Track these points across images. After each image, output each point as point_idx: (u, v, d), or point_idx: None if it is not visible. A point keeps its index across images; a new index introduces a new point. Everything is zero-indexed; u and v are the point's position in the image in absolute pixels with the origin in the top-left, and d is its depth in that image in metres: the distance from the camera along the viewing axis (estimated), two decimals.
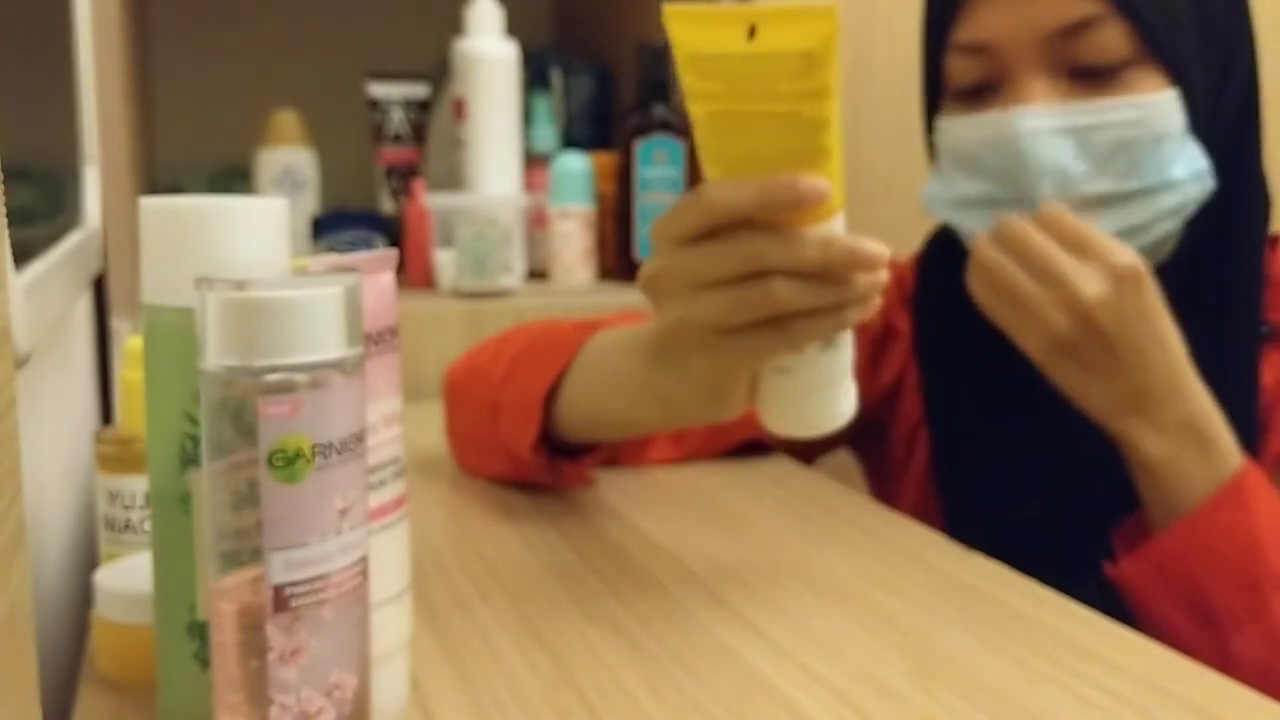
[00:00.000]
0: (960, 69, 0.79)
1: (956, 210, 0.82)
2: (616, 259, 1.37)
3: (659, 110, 1.32)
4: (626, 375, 0.70)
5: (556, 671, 0.56)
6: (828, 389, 0.61)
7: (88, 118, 0.98)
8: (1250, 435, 0.76)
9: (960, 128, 0.80)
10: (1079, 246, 0.70)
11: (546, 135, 1.45)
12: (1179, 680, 0.55)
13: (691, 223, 0.58)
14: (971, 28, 0.77)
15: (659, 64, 1.32)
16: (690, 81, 0.56)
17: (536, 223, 1.40)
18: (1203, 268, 0.79)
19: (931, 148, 0.85)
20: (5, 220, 0.45)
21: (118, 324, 1.09)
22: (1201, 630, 0.69)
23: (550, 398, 0.76)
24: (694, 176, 1.34)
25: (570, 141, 1.51)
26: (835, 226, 0.57)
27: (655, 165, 1.32)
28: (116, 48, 1.09)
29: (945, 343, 0.88)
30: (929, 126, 0.85)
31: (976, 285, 0.74)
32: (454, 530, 0.76)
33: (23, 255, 0.60)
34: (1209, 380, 0.73)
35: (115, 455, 0.64)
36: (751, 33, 0.54)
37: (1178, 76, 0.75)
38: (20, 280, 0.55)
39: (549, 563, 0.70)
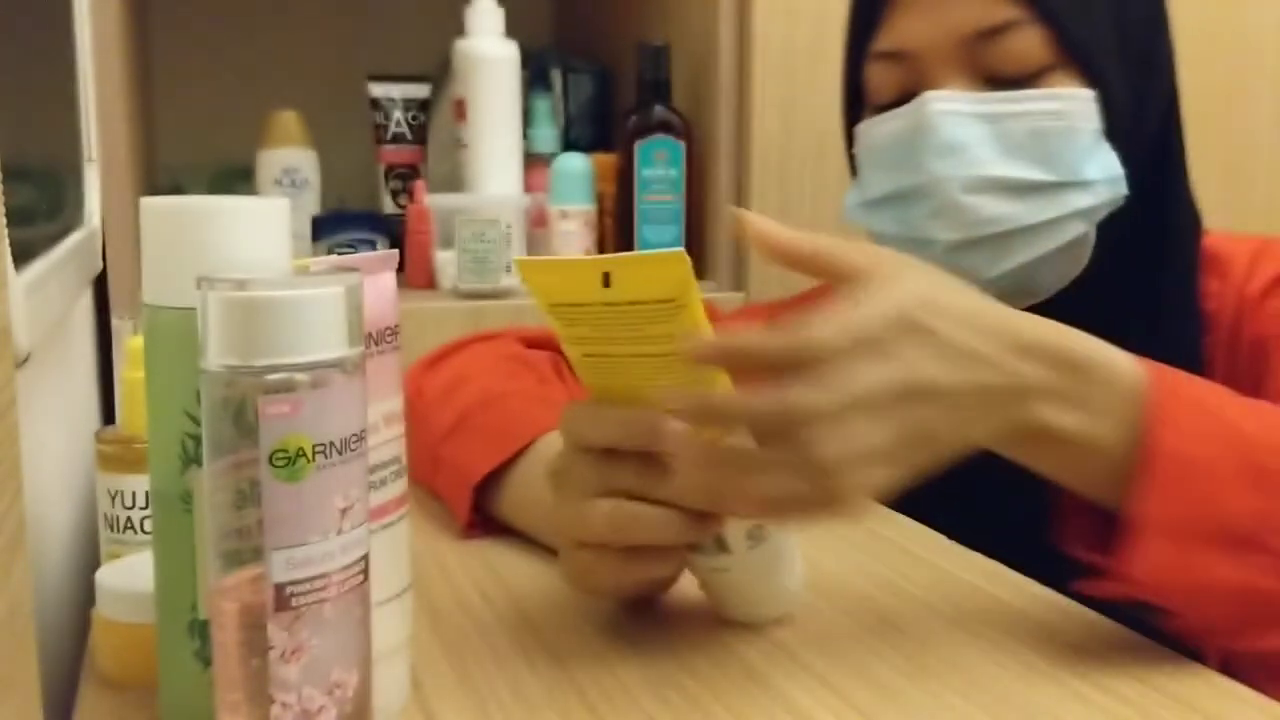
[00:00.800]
0: (880, 78, 0.78)
1: (869, 212, 0.80)
2: None
3: (659, 111, 1.32)
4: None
5: (557, 671, 0.56)
6: (768, 579, 0.61)
7: (88, 118, 0.98)
8: None
9: (875, 127, 0.79)
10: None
11: (547, 135, 1.45)
12: (1179, 680, 0.55)
13: (573, 437, 0.57)
14: (891, 35, 0.77)
15: (659, 64, 1.32)
16: (559, 328, 0.54)
17: (537, 223, 1.40)
18: (1132, 282, 0.77)
19: (852, 160, 0.83)
20: (5, 220, 0.45)
21: (118, 323, 1.09)
22: (1243, 555, 0.54)
23: (490, 478, 0.73)
24: (694, 177, 1.34)
25: (570, 142, 1.51)
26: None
27: (655, 165, 1.32)
28: (117, 48, 1.09)
29: None
30: (849, 140, 0.83)
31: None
32: (455, 529, 0.76)
33: (23, 255, 0.60)
34: None
35: (116, 455, 0.64)
36: (606, 280, 0.51)
37: (1096, 80, 0.74)
38: (20, 280, 0.55)
39: (549, 562, 0.70)
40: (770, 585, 0.61)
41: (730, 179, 1.31)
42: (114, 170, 1.08)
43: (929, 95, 0.74)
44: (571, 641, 0.60)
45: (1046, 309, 0.71)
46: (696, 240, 1.35)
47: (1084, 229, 0.75)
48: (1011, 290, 0.73)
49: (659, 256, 0.51)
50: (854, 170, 0.83)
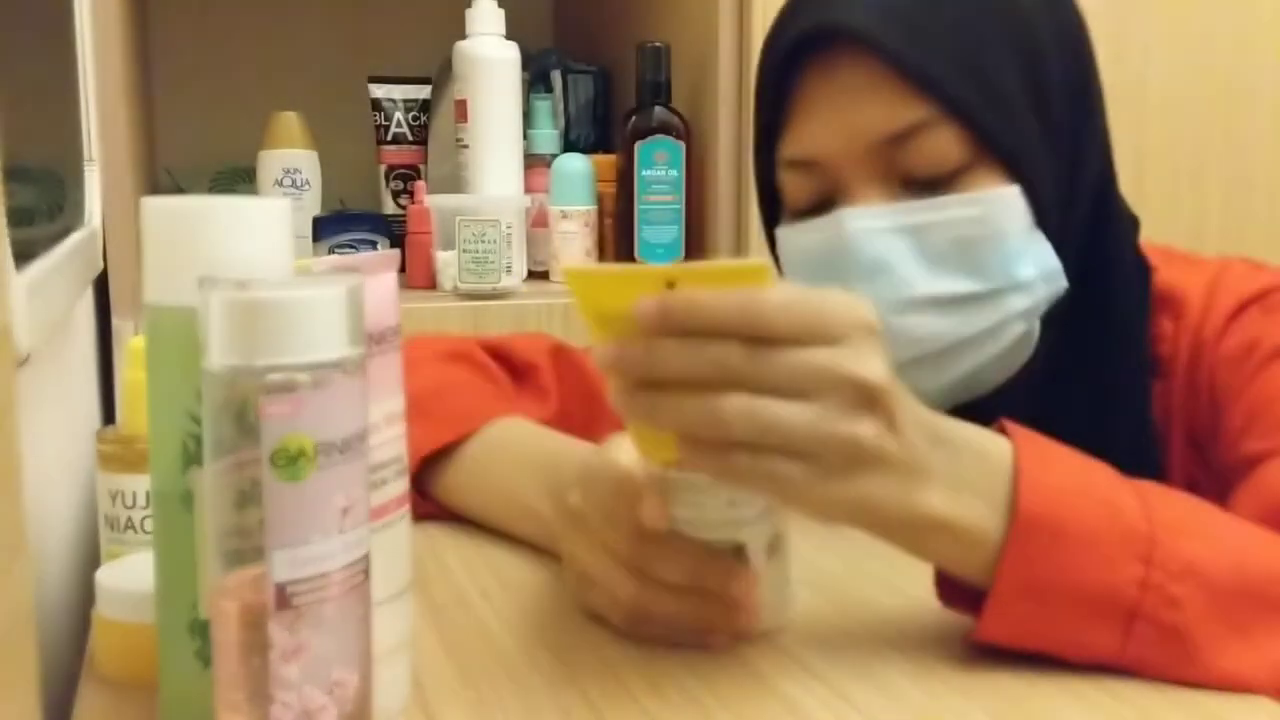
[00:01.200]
0: (793, 185, 0.73)
1: None
2: (617, 259, 1.37)
3: (659, 112, 1.32)
4: (512, 490, 0.71)
5: (558, 669, 0.56)
6: (780, 590, 0.60)
7: (88, 118, 0.99)
8: (1159, 473, 0.72)
9: (794, 237, 0.74)
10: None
11: (547, 136, 1.45)
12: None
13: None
14: (798, 143, 0.71)
15: (659, 65, 1.32)
16: (603, 339, 0.51)
17: (537, 223, 1.40)
18: (1085, 355, 0.74)
19: (776, 261, 0.77)
20: (5, 220, 0.45)
21: (119, 324, 1.09)
22: (1104, 622, 0.54)
23: (432, 460, 0.75)
24: (694, 178, 1.34)
25: (570, 143, 1.51)
26: None
27: (656, 166, 1.32)
28: (117, 48, 1.09)
29: None
30: (770, 240, 0.78)
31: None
32: (455, 528, 0.76)
33: (23, 255, 0.60)
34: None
35: (117, 455, 0.64)
36: (671, 288, 0.48)
37: (1018, 173, 0.69)
38: (21, 280, 0.55)
39: (550, 561, 0.70)
40: (782, 595, 0.61)
41: (730, 179, 1.31)
42: (114, 170, 1.08)
43: (846, 213, 0.69)
44: (573, 640, 0.60)
45: (994, 398, 0.71)
46: (696, 241, 1.35)
47: (1025, 328, 0.71)
48: (959, 393, 0.71)
49: (738, 269, 0.49)
50: (779, 269, 0.77)
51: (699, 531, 0.57)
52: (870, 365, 0.51)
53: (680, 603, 0.57)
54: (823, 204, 0.72)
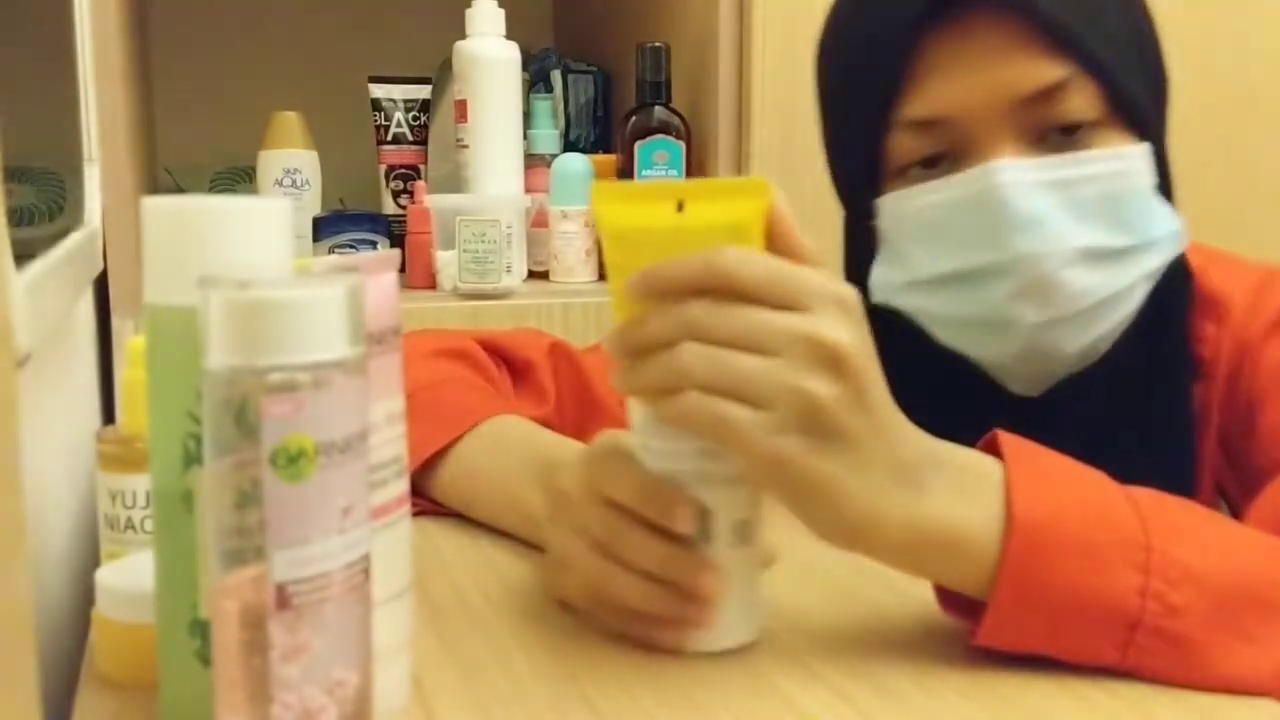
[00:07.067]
0: (909, 146, 0.71)
1: (919, 293, 0.73)
2: None
3: (659, 112, 1.32)
4: (502, 482, 0.72)
5: (558, 669, 0.56)
6: (744, 592, 0.58)
7: (88, 118, 0.99)
8: (1187, 478, 0.73)
9: (917, 197, 0.71)
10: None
11: (547, 136, 1.45)
12: None
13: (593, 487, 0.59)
14: (924, 102, 0.70)
15: (659, 65, 1.32)
16: (614, 256, 0.55)
17: (537, 223, 1.40)
18: (1143, 344, 0.74)
19: (862, 235, 0.76)
20: (5, 220, 0.45)
21: (119, 323, 1.09)
22: (1104, 631, 0.54)
23: (433, 459, 0.76)
24: (694, 177, 1.34)
25: (570, 143, 1.51)
26: None
27: (656, 166, 1.32)
28: (117, 48, 1.09)
29: None
30: (860, 213, 0.75)
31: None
32: (455, 528, 0.76)
33: (23, 255, 0.60)
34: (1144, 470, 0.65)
35: (117, 454, 0.64)
36: (680, 208, 0.54)
37: (1144, 133, 0.70)
38: (20, 280, 0.55)
39: None
40: (744, 601, 0.58)
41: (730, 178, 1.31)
42: (114, 170, 1.08)
43: (996, 165, 0.68)
44: (573, 640, 0.60)
45: (1072, 381, 0.72)
46: None
47: (1147, 289, 0.71)
48: (1082, 358, 0.71)
49: (741, 183, 0.53)
50: (866, 249, 0.76)
51: (667, 462, 0.57)
52: (837, 330, 0.52)
53: (644, 591, 0.57)
54: (938, 160, 0.71)
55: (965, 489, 0.55)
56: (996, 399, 0.73)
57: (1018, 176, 0.68)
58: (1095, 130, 0.69)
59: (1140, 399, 0.74)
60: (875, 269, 0.75)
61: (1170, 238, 0.71)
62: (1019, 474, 0.55)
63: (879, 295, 0.75)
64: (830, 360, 0.52)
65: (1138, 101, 0.70)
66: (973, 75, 0.69)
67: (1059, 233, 0.68)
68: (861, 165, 0.74)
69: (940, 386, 0.72)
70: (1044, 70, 0.68)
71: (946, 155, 0.71)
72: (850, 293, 0.53)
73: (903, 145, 0.71)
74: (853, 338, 0.52)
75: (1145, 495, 0.57)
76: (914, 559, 0.56)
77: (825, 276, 0.53)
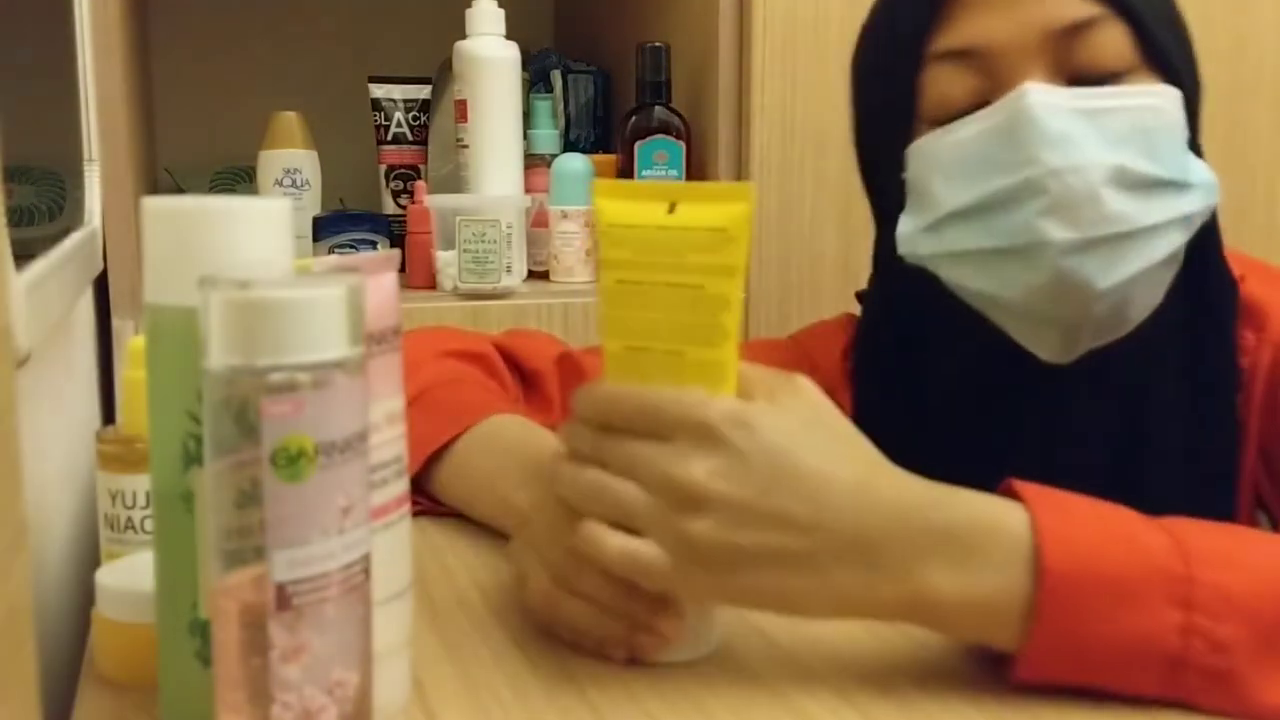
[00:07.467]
0: (946, 80, 0.71)
1: (941, 233, 0.72)
2: None
3: (659, 112, 1.32)
4: (493, 482, 0.72)
5: (558, 669, 0.56)
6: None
7: (88, 118, 0.99)
8: (1226, 487, 0.72)
9: (950, 134, 0.71)
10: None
11: (547, 136, 1.45)
12: None
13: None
14: (960, 33, 0.70)
15: (659, 65, 1.32)
16: (604, 250, 0.57)
17: (537, 223, 1.40)
18: (1186, 333, 0.73)
19: (898, 189, 0.75)
20: (5, 220, 0.45)
21: (119, 323, 1.09)
22: (1146, 671, 0.53)
23: (435, 456, 0.76)
24: (694, 178, 1.34)
25: (570, 143, 1.51)
26: None
27: (655, 166, 1.32)
28: (118, 48, 1.09)
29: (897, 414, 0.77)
30: (890, 165, 0.75)
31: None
32: (456, 528, 0.76)
33: (23, 255, 0.60)
34: (1194, 434, 0.66)
35: (117, 455, 0.64)
36: (671, 209, 0.55)
37: (1175, 83, 0.70)
38: (20, 280, 0.55)
39: None
40: (698, 614, 0.58)
41: (730, 179, 1.31)
42: (114, 170, 1.08)
43: (1028, 88, 0.67)
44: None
45: (1103, 352, 0.70)
46: None
47: (1181, 241, 0.70)
48: (1109, 313, 0.69)
49: (728, 188, 0.55)
50: (898, 200, 0.75)
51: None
52: (691, 466, 0.53)
53: (596, 617, 0.57)
54: (977, 105, 0.71)
55: (971, 553, 0.53)
56: (1027, 370, 0.72)
57: (1049, 99, 0.67)
58: (1129, 75, 0.69)
59: (1180, 399, 0.72)
60: (901, 220, 0.74)
61: (1206, 187, 0.70)
62: (1046, 519, 0.53)
63: (904, 247, 0.74)
64: (689, 500, 0.53)
65: (1168, 51, 0.70)
66: (1006, 8, 0.70)
67: (1092, 151, 0.67)
68: (895, 110, 0.74)
69: (970, 366, 0.73)
70: (1076, 6, 0.69)
71: (981, 99, 0.70)
72: (715, 413, 0.54)
73: (942, 78, 0.71)
74: (711, 466, 0.53)
75: (1178, 522, 0.55)
76: (931, 626, 0.55)
77: (692, 401, 0.54)
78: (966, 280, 0.71)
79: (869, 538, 0.53)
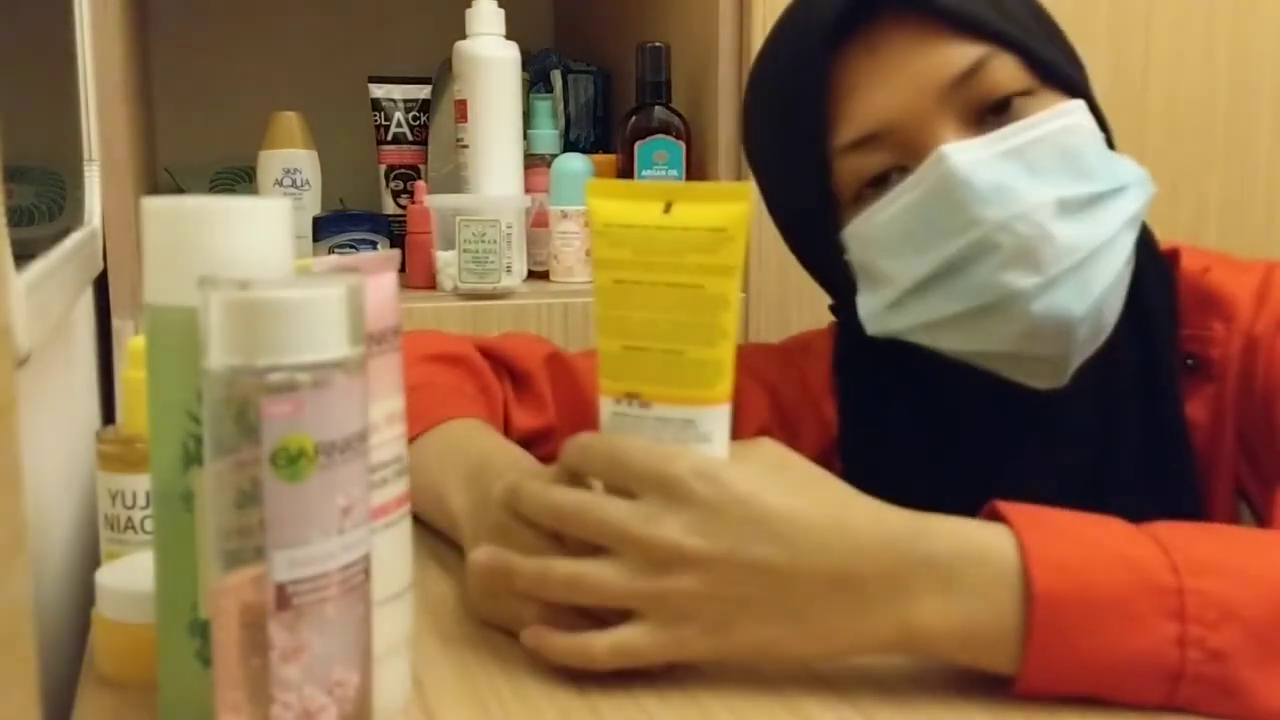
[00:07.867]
0: (859, 165, 0.71)
1: (904, 309, 0.71)
2: None
3: (659, 112, 1.32)
4: (434, 482, 0.71)
5: (558, 670, 0.56)
6: None
7: (88, 118, 0.99)
8: (1190, 478, 0.73)
9: (882, 211, 0.70)
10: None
11: (547, 136, 1.45)
12: None
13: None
14: (857, 120, 0.70)
15: (659, 65, 1.32)
16: (600, 250, 0.57)
17: (537, 223, 1.40)
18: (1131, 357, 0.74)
19: (842, 271, 0.75)
20: (5, 220, 0.45)
21: (119, 323, 1.09)
22: (1146, 685, 0.52)
23: None
24: (694, 178, 1.34)
25: (570, 143, 1.51)
26: (722, 415, 0.56)
27: (655, 167, 1.32)
28: (117, 48, 1.09)
29: (881, 435, 0.78)
30: (828, 254, 0.75)
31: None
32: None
33: (23, 255, 0.60)
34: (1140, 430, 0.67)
35: (117, 455, 0.64)
36: (667, 209, 0.55)
37: (1076, 93, 0.71)
38: (20, 280, 0.55)
39: None
40: None
41: (730, 179, 1.31)
42: (114, 170, 1.08)
43: (944, 150, 0.67)
44: None
45: (1073, 386, 0.71)
46: None
47: (1132, 239, 0.70)
48: (1091, 332, 0.70)
49: (725, 188, 0.55)
50: (846, 282, 0.75)
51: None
52: (661, 526, 0.53)
53: (536, 612, 0.57)
54: (888, 177, 0.71)
55: (958, 582, 0.52)
56: (1021, 401, 0.73)
57: (969, 155, 0.67)
58: (1028, 99, 0.70)
59: (1138, 394, 0.74)
60: (860, 301, 0.74)
61: (1139, 182, 0.71)
62: (1032, 539, 0.52)
63: (872, 327, 0.74)
64: (666, 562, 0.53)
65: (1059, 65, 0.71)
66: (893, 79, 0.69)
67: (1028, 193, 0.67)
68: (815, 205, 0.74)
69: (970, 411, 0.74)
70: (960, 55, 0.69)
71: (894, 169, 0.71)
72: (682, 468, 0.54)
73: (849, 171, 0.71)
74: (684, 522, 0.53)
75: (1167, 529, 0.54)
76: (924, 656, 0.54)
77: (660, 455, 0.54)
78: (947, 344, 0.72)
79: (853, 576, 0.53)
